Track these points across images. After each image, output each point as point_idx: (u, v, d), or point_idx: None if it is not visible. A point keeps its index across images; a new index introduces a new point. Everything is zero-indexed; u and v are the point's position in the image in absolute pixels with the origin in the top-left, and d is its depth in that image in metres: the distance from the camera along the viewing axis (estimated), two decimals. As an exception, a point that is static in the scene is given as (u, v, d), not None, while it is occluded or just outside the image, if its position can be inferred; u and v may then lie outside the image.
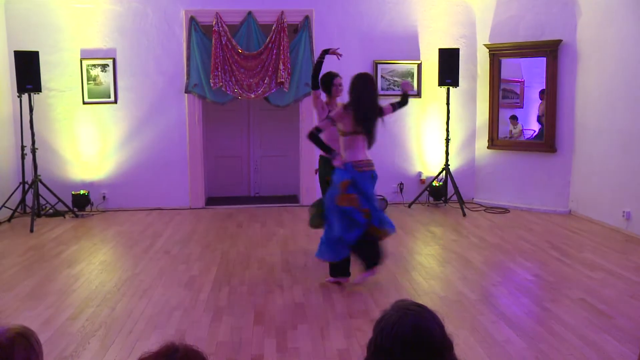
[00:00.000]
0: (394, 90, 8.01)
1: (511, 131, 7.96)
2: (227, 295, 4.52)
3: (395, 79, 8.00)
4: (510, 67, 7.87)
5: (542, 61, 7.41)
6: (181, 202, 7.97)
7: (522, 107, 7.97)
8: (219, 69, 7.58)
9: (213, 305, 4.30)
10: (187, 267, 5.29)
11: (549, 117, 7.41)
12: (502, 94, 7.84)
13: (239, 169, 9.23)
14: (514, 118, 7.97)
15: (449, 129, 7.73)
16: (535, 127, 8.04)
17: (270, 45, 7.73)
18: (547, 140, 7.46)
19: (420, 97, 8.08)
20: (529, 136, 8.02)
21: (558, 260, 5.35)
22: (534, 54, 7.51)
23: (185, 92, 7.79)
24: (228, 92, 7.69)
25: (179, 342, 1.49)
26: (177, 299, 4.45)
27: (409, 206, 7.86)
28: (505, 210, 7.60)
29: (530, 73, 7.88)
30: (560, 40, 7.19)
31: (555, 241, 6.03)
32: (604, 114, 6.73)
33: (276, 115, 8.87)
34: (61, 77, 7.71)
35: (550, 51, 7.27)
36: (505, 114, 7.95)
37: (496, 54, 7.71)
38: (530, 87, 7.89)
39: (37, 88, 7.11)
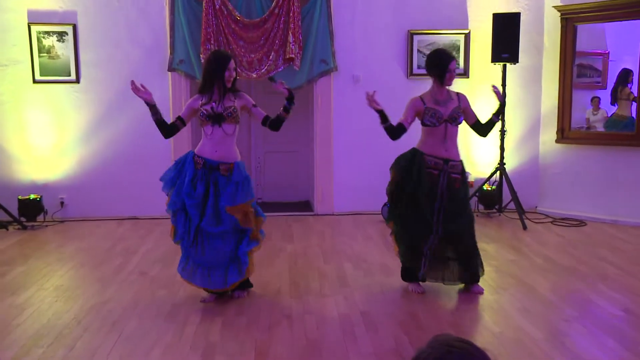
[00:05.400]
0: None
1: (588, 119, 7.86)
2: (221, 329, 4.51)
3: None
4: (590, 35, 7.78)
5: (636, 25, 7.27)
6: (163, 210, 7.92)
7: (606, 88, 7.83)
8: (212, 41, 7.60)
9: (203, 341, 4.29)
10: (169, 292, 5.30)
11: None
12: (577, 70, 7.78)
13: (236, 169, 9.24)
14: (596, 100, 7.82)
15: (505, 118, 7.67)
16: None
17: (276, 10, 7.74)
18: (639, 132, 7.38)
19: (468, 77, 8.05)
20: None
21: (653, 290, 5.28)
22: (625, 16, 7.37)
23: (169, 70, 7.84)
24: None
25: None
26: (157, 333, 4.45)
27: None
28: (580, 223, 7.54)
29: (619, 42, 7.73)
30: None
31: (649, 264, 5.97)
32: None
33: (284, 101, 8.87)
34: (2, 46, 7.75)
35: (649, 10, 7.14)
36: (581, 97, 7.83)
37: (570, 19, 7.64)
38: (618, 60, 7.74)
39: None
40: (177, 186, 5.04)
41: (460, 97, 5.19)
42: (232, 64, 4.95)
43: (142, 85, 4.96)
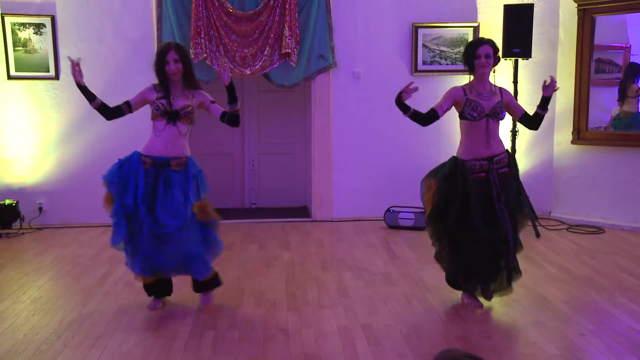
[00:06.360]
0: (440, 64, 8.00)
1: (613, 117, 7.84)
2: (212, 343, 4.50)
3: (443, 48, 7.98)
4: (610, 28, 7.76)
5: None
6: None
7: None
8: (202, 35, 7.60)
9: (192, 357, 4.28)
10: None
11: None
12: (595, 66, 7.77)
13: (230, 172, 9.25)
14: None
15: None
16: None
17: (272, 2, 7.75)
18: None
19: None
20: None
21: (676, 301, 5.27)
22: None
23: (156, 66, 7.82)
24: (215, 67, 7.72)
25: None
26: (143, 348, 4.43)
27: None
28: (597, 230, 7.55)
29: (640, 35, 7.75)
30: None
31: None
32: None
33: (280, 99, 8.89)
34: (-27, 39, 7.73)
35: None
36: (599, 95, 7.82)
37: (588, 10, 7.64)
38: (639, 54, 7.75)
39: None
40: (124, 188, 5.01)
41: (502, 91, 5.08)
42: (171, 55, 4.91)
43: (78, 64, 4.91)
